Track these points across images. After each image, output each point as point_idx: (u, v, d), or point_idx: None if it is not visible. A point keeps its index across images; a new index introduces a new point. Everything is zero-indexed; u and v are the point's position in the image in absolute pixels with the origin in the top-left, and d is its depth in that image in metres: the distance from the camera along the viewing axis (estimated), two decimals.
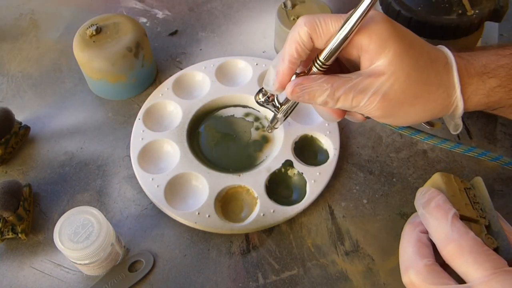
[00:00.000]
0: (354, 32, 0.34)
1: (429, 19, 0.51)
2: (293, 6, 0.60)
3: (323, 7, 0.59)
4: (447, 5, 0.52)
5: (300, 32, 0.35)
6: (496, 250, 0.34)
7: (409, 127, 0.42)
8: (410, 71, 0.34)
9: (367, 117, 0.39)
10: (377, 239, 0.47)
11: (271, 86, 0.38)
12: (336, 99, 0.35)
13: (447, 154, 0.53)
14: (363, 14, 0.33)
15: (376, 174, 0.52)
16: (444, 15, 0.51)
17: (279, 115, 0.43)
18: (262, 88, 0.41)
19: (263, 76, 0.58)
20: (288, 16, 0.59)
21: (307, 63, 0.38)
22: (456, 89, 0.36)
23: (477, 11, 0.51)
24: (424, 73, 0.35)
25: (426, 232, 0.35)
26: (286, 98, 0.41)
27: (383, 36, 0.34)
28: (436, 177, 0.39)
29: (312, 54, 0.36)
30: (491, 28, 0.65)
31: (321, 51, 0.35)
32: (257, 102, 0.41)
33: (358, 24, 0.33)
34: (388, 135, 0.55)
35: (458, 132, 0.39)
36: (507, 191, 0.51)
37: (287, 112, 0.43)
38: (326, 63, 0.36)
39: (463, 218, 0.35)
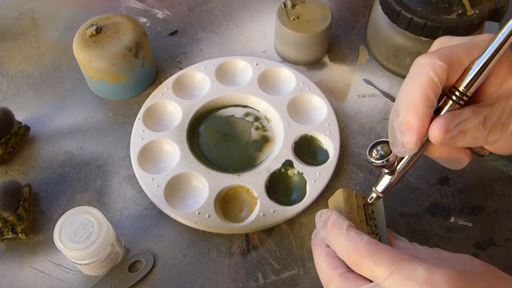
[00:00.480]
0: (503, 51, 0.31)
1: (429, 19, 0.51)
2: (293, 6, 0.60)
3: (323, 7, 0.59)
4: (447, 5, 0.52)
5: (436, 69, 0.31)
6: None
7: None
8: None
9: (482, 155, 0.36)
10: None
11: (405, 147, 0.32)
12: (488, 130, 0.31)
13: None
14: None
15: (376, 174, 0.52)
16: (444, 15, 0.51)
17: (391, 179, 0.37)
18: (377, 145, 0.35)
19: (263, 76, 0.59)
20: (288, 16, 0.59)
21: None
22: None
23: (477, 11, 0.51)
24: None
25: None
26: (400, 158, 0.36)
27: (511, 58, 0.32)
28: (338, 193, 0.40)
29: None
30: (491, 28, 0.65)
31: (458, 83, 0.32)
32: (373, 164, 0.35)
33: (508, 41, 0.30)
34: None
35: None
36: (507, 191, 0.51)
37: (401, 173, 0.36)
38: (468, 94, 0.32)
39: None
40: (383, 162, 0.34)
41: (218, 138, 0.55)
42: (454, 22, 0.50)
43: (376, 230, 0.39)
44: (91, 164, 0.53)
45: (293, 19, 0.58)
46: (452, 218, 0.49)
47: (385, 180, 0.37)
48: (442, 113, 0.32)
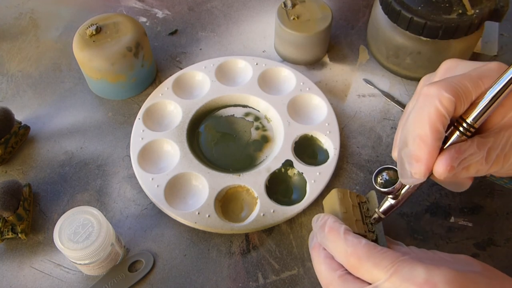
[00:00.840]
0: None
1: (429, 19, 0.51)
2: (293, 5, 0.60)
3: (323, 7, 0.59)
4: (447, 5, 0.52)
5: (443, 102, 0.31)
6: None
7: None
8: None
9: (483, 177, 0.36)
10: None
11: (413, 178, 0.32)
12: (491, 164, 0.32)
13: None
14: None
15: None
16: (444, 15, 0.51)
17: (394, 202, 0.37)
18: (382, 172, 0.36)
19: (263, 76, 0.58)
20: (288, 16, 0.59)
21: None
22: None
23: (477, 11, 0.51)
24: None
25: None
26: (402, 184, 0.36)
27: None
28: (333, 193, 0.41)
29: None
30: (491, 28, 0.65)
31: (466, 114, 0.32)
32: (379, 191, 0.36)
33: None
34: (388, 135, 0.55)
35: None
36: (507, 191, 0.51)
37: (404, 198, 0.36)
38: (475, 126, 0.32)
39: None
40: (389, 189, 0.35)
41: (218, 138, 0.55)
42: (454, 22, 0.50)
43: (373, 228, 0.39)
44: (91, 164, 0.53)
45: (293, 18, 0.58)
46: (452, 218, 0.49)
47: (388, 203, 0.37)
48: (448, 144, 0.32)
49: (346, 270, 0.33)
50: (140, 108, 0.56)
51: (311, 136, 0.54)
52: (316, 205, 0.49)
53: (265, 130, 0.55)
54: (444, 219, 0.49)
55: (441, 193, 0.50)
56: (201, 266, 0.46)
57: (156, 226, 0.49)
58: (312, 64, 0.62)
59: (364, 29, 0.66)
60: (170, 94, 0.57)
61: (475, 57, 0.62)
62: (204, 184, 0.50)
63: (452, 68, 0.36)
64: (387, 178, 0.36)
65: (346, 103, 0.58)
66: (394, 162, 0.53)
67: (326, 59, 0.63)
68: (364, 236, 0.38)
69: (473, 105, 0.32)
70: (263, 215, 0.47)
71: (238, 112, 0.57)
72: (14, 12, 0.69)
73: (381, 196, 0.38)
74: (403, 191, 0.36)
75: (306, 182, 0.49)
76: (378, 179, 0.36)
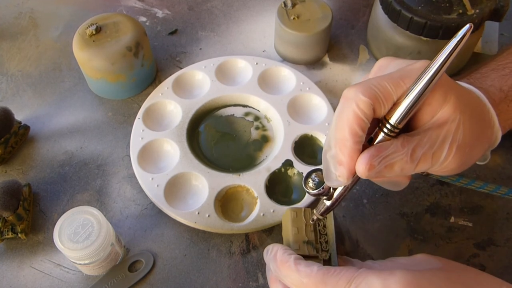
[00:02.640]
0: (434, 84, 0.30)
1: (429, 19, 0.51)
2: (293, 5, 0.59)
3: (323, 6, 0.59)
4: (447, 5, 0.52)
5: (360, 105, 0.31)
6: None
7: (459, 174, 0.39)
8: (470, 113, 0.33)
9: (424, 175, 0.36)
10: (377, 239, 0.47)
11: (338, 180, 0.32)
12: (416, 162, 0.31)
13: None
14: (443, 63, 0.30)
15: None
16: (445, 15, 0.51)
17: (329, 203, 0.36)
18: (311, 174, 0.35)
19: (263, 76, 0.58)
20: (288, 16, 0.58)
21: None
22: (495, 121, 0.35)
23: (477, 11, 0.51)
24: (477, 112, 0.34)
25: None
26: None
27: (445, 85, 0.32)
28: (287, 214, 0.40)
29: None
30: (491, 28, 0.65)
31: (389, 115, 0.32)
32: (309, 193, 0.36)
33: (439, 75, 0.30)
34: None
35: (487, 161, 0.38)
36: None
37: (338, 198, 0.36)
38: (399, 126, 0.31)
39: (303, 256, 0.36)
40: (319, 190, 0.35)
41: (218, 138, 0.55)
42: (455, 22, 0.50)
43: (327, 247, 0.39)
44: (90, 164, 0.53)
45: (293, 18, 0.58)
46: (452, 218, 0.49)
47: (324, 205, 0.37)
48: (374, 144, 0.32)
49: None
50: (140, 107, 0.56)
51: (311, 136, 0.54)
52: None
53: (265, 130, 0.55)
54: (444, 219, 0.49)
55: (441, 193, 0.50)
56: (201, 266, 0.46)
57: (156, 226, 0.49)
58: (312, 64, 0.62)
59: (364, 29, 0.66)
60: (170, 93, 0.57)
61: (475, 57, 0.62)
62: (204, 184, 0.49)
63: (384, 66, 0.35)
64: (317, 179, 0.35)
65: None
66: None
67: (326, 59, 0.63)
68: (316, 257, 0.38)
69: (395, 105, 0.31)
70: (263, 215, 0.47)
71: (238, 111, 0.57)
72: (13, 12, 0.69)
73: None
74: (336, 193, 0.35)
75: None
76: (309, 183, 0.35)
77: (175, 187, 0.50)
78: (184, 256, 0.47)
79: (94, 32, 0.55)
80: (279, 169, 0.50)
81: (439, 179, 0.39)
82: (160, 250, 0.47)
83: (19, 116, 0.56)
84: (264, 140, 0.54)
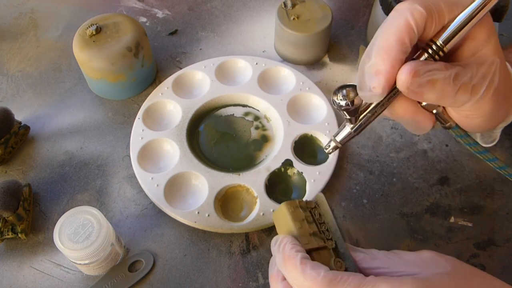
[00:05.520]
0: (484, 13, 0.29)
1: None
2: (293, 5, 0.59)
3: (324, 6, 0.59)
4: None
5: (415, 14, 0.29)
6: (345, 271, 0.35)
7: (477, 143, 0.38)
8: (504, 66, 0.32)
9: (447, 127, 0.35)
10: (377, 239, 0.47)
11: (371, 90, 0.30)
12: (457, 87, 0.30)
13: (447, 154, 0.53)
14: None
15: (376, 174, 0.52)
16: None
17: (353, 129, 0.34)
18: (345, 87, 0.33)
19: (263, 75, 0.58)
20: (288, 16, 0.59)
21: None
22: None
23: None
24: (507, 71, 0.33)
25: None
26: (365, 106, 0.34)
27: (489, 26, 0.31)
28: (282, 209, 0.38)
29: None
30: None
31: (436, 37, 0.30)
32: (335, 104, 0.33)
33: (489, 4, 0.29)
34: (388, 135, 0.55)
35: (495, 143, 0.37)
36: (507, 191, 0.51)
37: (362, 124, 0.34)
38: (445, 49, 0.30)
39: (312, 250, 0.35)
40: (347, 103, 0.32)
41: (218, 138, 0.55)
42: None
43: (330, 235, 0.38)
44: (91, 164, 0.53)
45: (293, 18, 0.58)
46: (452, 218, 0.49)
47: (346, 130, 0.35)
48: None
49: None
50: (140, 107, 0.56)
51: (311, 135, 0.54)
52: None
53: (264, 130, 0.55)
54: (444, 219, 0.49)
55: (441, 193, 0.50)
56: (201, 266, 0.46)
57: (156, 226, 0.49)
58: (312, 64, 0.62)
59: (364, 29, 0.66)
60: (170, 93, 0.57)
61: None
62: (204, 184, 0.49)
63: None
64: (347, 96, 0.33)
65: None
66: (394, 162, 0.53)
67: (326, 59, 0.63)
68: (325, 247, 0.36)
69: (444, 28, 0.30)
70: (263, 214, 0.47)
71: (238, 111, 0.57)
72: (14, 12, 0.69)
73: (330, 200, 0.36)
74: (361, 116, 0.33)
75: (305, 182, 0.49)
76: (339, 95, 0.33)
77: (175, 187, 0.50)
78: (184, 256, 0.47)
79: (94, 33, 0.55)
80: (279, 169, 0.50)
81: (462, 137, 0.37)
82: (160, 250, 0.47)
83: (19, 116, 0.56)
84: (264, 139, 0.54)
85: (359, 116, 0.33)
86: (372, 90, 0.30)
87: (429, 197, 0.50)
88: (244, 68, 0.60)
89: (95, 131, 0.56)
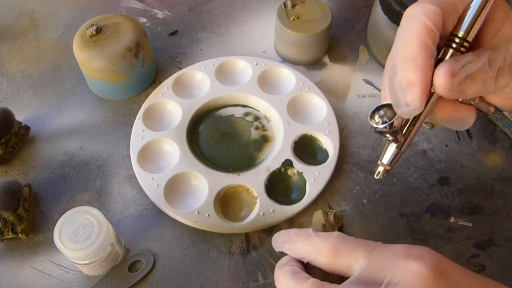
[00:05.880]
0: None
1: None
2: (293, 6, 0.60)
3: (323, 7, 0.59)
4: None
5: (430, 14, 0.28)
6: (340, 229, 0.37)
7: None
8: None
9: (487, 113, 0.34)
10: (377, 239, 0.47)
11: (408, 104, 0.28)
12: (495, 72, 0.28)
13: (447, 155, 0.53)
14: None
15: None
16: None
17: (399, 148, 0.32)
18: (380, 110, 0.31)
19: (263, 76, 0.58)
20: (288, 16, 0.59)
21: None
22: None
23: None
24: None
25: (296, 264, 0.33)
26: (405, 122, 0.32)
27: (505, 4, 0.30)
28: (319, 214, 0.39)
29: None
30: None
31: (456, 29, 0.29)
32: (375, 129, 0.31)
33: None
34: None
35: None
36: (507, 191, 0.51)
37: (407, 138, 0.32)
38: (468, 38, 0.29)
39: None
40: (385, 127, 0.30)
41: (218, 138, 0.55)
42: None
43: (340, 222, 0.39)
44: (91, 164, 0.53)
45: (293, 19, 0.58)
46: (452, 218, 0.49)
47: (391, 150, 0.33)
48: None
49: (315, 279, 0.31)
50: (140, 108, 0.56)
51: (311, 135, 0.54)
52: (316, 204, 0.49)
53: (264, 130, 0.55)
54: (444, 219, 0.49)
55: (441, 193, 0.51)
56: (201, 266, 0.46)
57: (156, 226, 0.49)
58: (312, 64, 0.62)
59: (364, 29, 0.66)
60: (170, 94, 0.57)
61: None
62: (204, 184, 0.50)
63: None
64: (385, 118, 0.31)
65: (346, 104, 0.58)
66: None
67: (326, 59, 0.63)
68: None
69: (461, 19, 0.29)
70: (263, 214, 0.47)
71: (238, 112, 0.57)
72: (14, 13, 0.69)
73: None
74: (403, 131, 0.32)
75: (305, 182, 0.49)
76: (375, 117, 0.31)
77: (175, 187, 0.50)
78: (184, 256, 0.47)
79: (94, 33, 0.55)
80: (279, 169, 0.50)
81: (501, 120, 0.36)
82: (160, 250, 0.47)
83: (20, 116, 0.56)
84: (264, 140, 0.54)
85: (401, 134, 0.32)
86: (409, 104, 0.28)
87: (429, 197, 0.50)
88: (244, 68, 0.60)
89: (95, 131, 0.56)
